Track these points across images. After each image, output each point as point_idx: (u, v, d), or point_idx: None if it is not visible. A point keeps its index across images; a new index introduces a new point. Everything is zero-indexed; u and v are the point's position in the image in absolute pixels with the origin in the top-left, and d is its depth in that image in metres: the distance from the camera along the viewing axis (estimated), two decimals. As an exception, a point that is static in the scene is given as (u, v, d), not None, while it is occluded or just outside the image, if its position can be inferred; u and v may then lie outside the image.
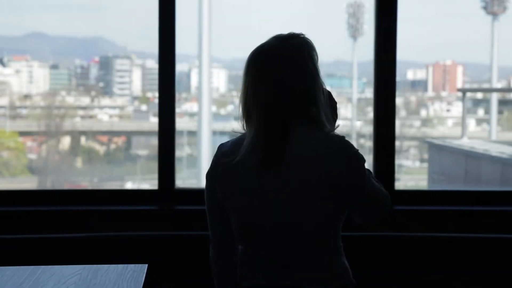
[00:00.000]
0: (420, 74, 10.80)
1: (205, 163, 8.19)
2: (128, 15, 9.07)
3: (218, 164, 2.23)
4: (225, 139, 2.28)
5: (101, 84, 9.73)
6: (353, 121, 9.15)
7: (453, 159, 8.18)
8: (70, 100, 9.68)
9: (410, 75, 10.71)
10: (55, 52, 9.87)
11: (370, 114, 3.60)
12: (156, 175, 3.50)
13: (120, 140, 9.96)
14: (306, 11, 9.09)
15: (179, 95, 9.37)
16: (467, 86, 10.52)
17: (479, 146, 8.11)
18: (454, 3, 10.60)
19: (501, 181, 7.24)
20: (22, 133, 9.45)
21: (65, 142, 9.56)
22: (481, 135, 9.93)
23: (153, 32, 3.47)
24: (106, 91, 9.71)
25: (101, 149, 9.76)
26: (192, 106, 9.62)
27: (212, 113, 8.68)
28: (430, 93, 10.74)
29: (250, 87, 2.17)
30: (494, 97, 9.40)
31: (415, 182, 10.14)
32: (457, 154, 8.05)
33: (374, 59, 3.50)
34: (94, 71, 9.66)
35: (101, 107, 9.62)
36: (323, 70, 2.22)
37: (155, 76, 3.49)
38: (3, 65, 9.40)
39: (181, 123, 9.07)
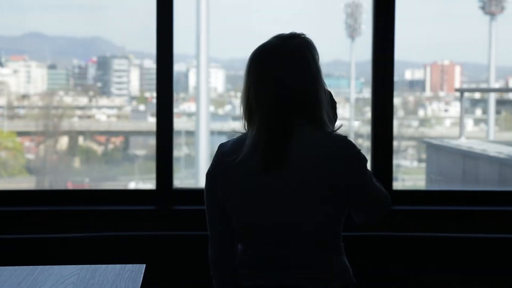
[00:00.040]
0: (418, 74, 10.81)
1: (203, 163, 8.19)
2: (126, 15, 9.06)
3: (218, 164, 2.23)
4: (223, 139, 2.29)
5: (99, 84, 9.73)
6: (351, 121, 9.15)
7: (451, 159, 8.19)
8: (68, 100, 9.67)
9: (408, 75, 10.71)
10: (53, 52, 9.86)
11: (368, 114, 3.61)
12: (154, 175, 3.50)
13: (118, 140, 9.95)
14: (304, 11, 9.09)
15: (177, 95, 9.36)
16: (465, 86, 10.52)
17: (477, 146, 8.12)
18: (452, 3, 10.60)
19: (499, 181, 7.24)
20: (20, 133, 9.44)
21: (63, 142, 9.55)
22: (479, 135, 9.94)
23: (151, 32, 3.47)
24: (104, 91, 9.71)
25: (99, 149, 9.75)
26: (190, 106, 9.62)
27: (210, 113, 8.68)
28: (428, 93, 10.74)
29: (252, 87, 2.17)
30: (492, 97, 9.41)
31: (413, 182, 10.15)
32: (455, 154, 8.06)
33: (372, 59, 3.50)
34: (92, 71, 9.65)
35: (99, 107, 9.62)
36: (320, 70, 2.21)
37: (153, 76, 3.49)
38: (1, 65, 9.39)
39: (179, 123, 9.06)
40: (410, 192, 3.61)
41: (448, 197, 3.55)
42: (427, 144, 9.15)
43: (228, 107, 9.99)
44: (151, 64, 9.27)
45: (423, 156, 9.82)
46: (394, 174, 3.47)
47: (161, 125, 3.47)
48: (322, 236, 2.17)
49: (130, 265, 2.34)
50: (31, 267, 2.33)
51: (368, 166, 2.20)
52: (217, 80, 9.78)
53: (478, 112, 10.52)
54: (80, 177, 9.39)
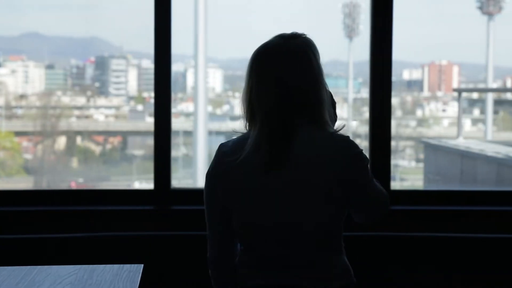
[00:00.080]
0: (415, 74, 10.82)
1: (201, 163, 8.19)
2: (124, 15, 9.07)
3: (219, 164, 2.22)
4: (221, 139, 2.28)
5: (97, 84, 9.73)
6: (349, 121, 9.16)
7: (448, 159, 8.20)
8: (66, 100, 9.67)
9: (406, 75, 10.73)
10: (51, 52, 9.86)
11: (366, 114, 3.60)
12: (152, 175, 3.49)
13: (116, 140, 9.96)
14: (302, 11, 9.10)
15: (175, 95, 9.37)
16: (463, 86, 10.53)
17: (475, 146, 8.13)
18: (450, 3, 10.62)
19: (497, 181, 7.25)
20: (18, 133, 9.45)
21: (61, 142, 9.55)
22: (477, 135, 9.95)
23: (149, 32, 3.47)
24: (102, 91, 9.71)
25: (97, 149, 9.76)
26: (188, 106, 9.63)
27: (208, 113, 8.68)
28: (425, 93, 10.76)
29: (253, 87, 2.16)
30: (490, 97, 9.42)
31: (411, 182, 10.16)
32: (453, 154, 8.07)
33: (370, 59, 3.50)
34: (90, 71, 9.66)
35: (97, 107, 9.62)
36: (319, 70, 2.21)
37: (151, 76, 3.49)
38: (-1, 65, 9.40)
39: (177, 123, 9.07)
40: (408, 192, 3.60)
41: (446, 197, 3.55)
42: (425, 144, 9.16)
43: (226, 107, 10.00)
44: (149, 64, 9.28)
45: (421, 156, 9.84)
46: (393, 174, 3.47)
47: (159, 125, 3.46)
48: (323, 236, 2.17)
49: (128, 265, 2.33)
50: (29, 267, 2.33)
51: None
52: (215, 80, 9.79)
53: (476, 112, 10.54)
54: (78, 177, 9.39)
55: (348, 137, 2.17)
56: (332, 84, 2.19)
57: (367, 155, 2.29)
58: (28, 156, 9.55)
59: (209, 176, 2.24)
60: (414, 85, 10.78)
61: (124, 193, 3.52)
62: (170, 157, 3.47)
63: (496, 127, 9.98)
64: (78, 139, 9.68)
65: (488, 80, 9.57)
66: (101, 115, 9.64)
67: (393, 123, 3.53)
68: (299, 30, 2.23)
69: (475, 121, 10.53)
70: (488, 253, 3.21)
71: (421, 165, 9.80)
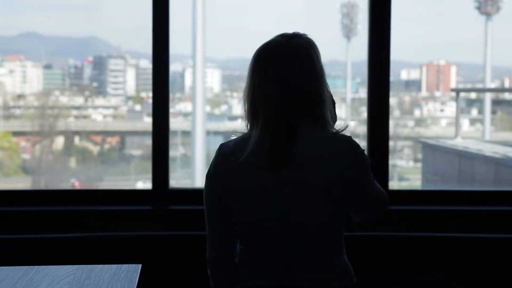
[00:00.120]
0: (414, 74, 10.83)
1: (199, 163, 8.19)
2: (122, 15, 9.06)
3: (219, 165, 2.21)
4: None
5: (95, 84, 9.73)
6: (347, 121, 9.16)
7: (446, 159, 8.20)
8: (64, 100, 9.67)
9: (404, 75, 10.73)
10: (49, 52, 9.85)
11: (364, 114, 3.60)
12: (150, 175, 3.49)
13: (114, 140, 9.95)
14: (300, 11, 9.10)
15: (173, 95, 9.37)
16: (461, 86, 10.55)
17: (473, 146, 8.13)
18: (448, 3, 10.62)
19: (495, 181, 7.25)
20: (16, 133, 9.44)
21: (59, 142, 9.54)
22: (475, 135, 9.96)
23: (147, 32, 3.47)
24: (100, 91, 9.71)
25: (95, 149, 9.75)
26: (186, 106, 9.62)
27: (206, 113, 8.68)
28: (424, 93, 10.76)
29: (256, 86, 2.15)
30: (488, 97, 9.42)
31: (409, 182, 10.16)
32: (451, 154, 8.06)
33: (368, 59, 3.50)
34: (88, 71, 9.65)
35: (95, 107, 9.62)
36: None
37: (149, 76, 3.48)
38: (-3, 65, 9.39)
39: (175, 123, 9.06)
40: (406, 192, 3.61)
41: (444, 197, 3.55)
42: (423, 144, 9.15)
43: (224, 107, 10.00)
44: (147, 64, 9.28)
45: (419, 156, 9.84)
46: (391, 174, 3.47)
47: (157, 125, 3.46)
48: (323, 236, 2.17)
49: (126, 265, 2.33)
50: (26, 267, 2.33)
51: (365, 166, 2.20)
52: (213, 80, 9.79)
53: (474, 112, 10.54)
54: (76, 178, 9.38)
55: (350, 137, 2.17)
56: (330, 84, 2.18)
57: (366, 155, 2.29)
58: (26, 156, 9.54)
59: (210, 176, 2.23)
60: (412, 85, 10.78)
61: (122, 193, 3.52)
62: (168, 157, 3.47)
63: (494, 127, 9.99)
64: (76, 139, 9.67)
65: (486, 80, 9.58)
66: (99, 115, 9.63)
67: (391, 123, 3.53)
68: (297, 30, 2.23)
69: (473, 121, 10.54)
70: (486, 253, 3.21)
71: (419, 165, 9.80)
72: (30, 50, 9.68)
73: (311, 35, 2.23)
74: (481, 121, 9.77)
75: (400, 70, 10.47)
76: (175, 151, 9.13)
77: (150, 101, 3.49)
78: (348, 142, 2.15)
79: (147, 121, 9.02)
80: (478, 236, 3.25)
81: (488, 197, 3.56)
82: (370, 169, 2.20)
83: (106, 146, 9.89)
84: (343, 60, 9.84)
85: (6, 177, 9.34)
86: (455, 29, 10.39)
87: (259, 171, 2.13)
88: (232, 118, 9.40)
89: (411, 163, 10.42)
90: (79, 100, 9.56)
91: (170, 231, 3.29)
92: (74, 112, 9.60)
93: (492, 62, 9.46)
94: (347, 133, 2.20)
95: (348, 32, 9.81)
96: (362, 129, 3.52)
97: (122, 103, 9.78)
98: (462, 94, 9.41)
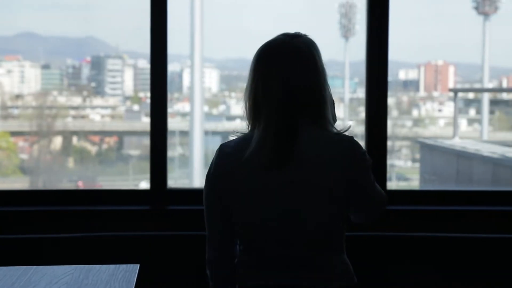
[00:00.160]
0: (412, 74, 10.83)
1: (197, 163, 8.19)
2: (120, 15, 9.07)
3: (220, 165, 2.20)
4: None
5: (93, 84, 9.73)
6: (345, 121, 9.17)
7: (444, 159, 8.21)
8: (62, 100, 9.67)
9: (402, 75, 10.74)
10: (47, 52, 9.85)
11: (362, 114, 3.60)
12: (148, 175, 3.49)
13: (112, 140, 9.95)
14: (298, 11, 9.10)
15: (171, 95, 9.36)
16: (459, 86, 10.55)
17: (471, 146, 8.14)
18: (446, 3, 10.63)
19: (493, 181, 7.26)
20: (14, 133, 9.44)
21: (57, 142, 9.54)
22: (473, 135, 9.96)
23: (145, 32, 3.47)
24: (98, 91, 9.71)
25: (93, 149, 9.75)
26: (184, 106, 9.62)
27: (204, 113, 8.68)
28: (421, 93, 10.76)
29: (259, 84, 2.15)
30: (486, 97, 9.44)
31: (407, 182, 10.17)
32: (449, 154, 8.07)
33: (366, 59, 3.50)
34: (85, 71, 9.65)
35: (93, 107, 9.62)
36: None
37: (147, 76, 3.48)
38: (-5, 65, 9.39)
39: (173, 123, 9.07)
40: (404, 192, 3.61)
41: (442, 197, 3.55)
42: (421, 144, 9.17)
43: (222, 107, 9.99)
44: (145, 64, 9.27)
45: (417, 156, 9.85)
46: (390, 174, 3.47)
47: (155, 125, 3.46)
48: (324, 236, 2.17)
49: (124, 265, 2.33)
50: (25, 267, 2.33)
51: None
52: (211, 80, 9.78)
53: (472, 112, 10.55)
54: (74, 177, 9.38)
55: (352, 137, 2.17)
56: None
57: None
58: (24, 156, 9.54)
59: (210, 176, 2.22)
60: (410, 85, 10.79)
61: (120, 193, 3.52)
62: (166, 157, 3.47)
63: (492, 127, 10.00)
64: (74, 139, 9.67)
65: (484, 80, 9.59)
66: (97, 115, 9.63)
67: (389, 123, 3.53)
68: (296, 30, 2.23)
69: (471, 121, 10.55)
70: (484, 253, 3.22)
71: (417, 165, 9.82)
72: (28, 50, 9.68)
73: (310, 35, 2.23)
74: (479, 121, 9.78)
75: (398, 70, 10.47)
76: (173, 151, 9.13)
77: (148, 101, 3.49)
78: (350, 142, 2.15)
79: (145, 121, 9.02)
80: (476, 236, 3.25)
81: (486, 197, 3.56)
82: (371, 169, 2.20)
83: (104, 146, 9.89)
84: (341, 60, 9.84)
85: (4, 177, 9.34)
86: (453, 29, 10.40)
87: (260, 171, 2.13)
88: (230, 118, 9.40)
89: (409, 163, 10.43)
90: (77, 100, 9.56)
91: (168, 231, 3.29)
92: (72, 112, 9.60)
93: (490, 62, 9.47)
94: (347, 133, 2.20)
95: (346, 32, 9.82)
96: (360, 129, 3.52)
97: (120, 103, 9.78)
98: (460, 94, 9.42)
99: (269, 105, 2.13)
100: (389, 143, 3.56)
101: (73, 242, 3.16)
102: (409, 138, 10.57)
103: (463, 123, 10.16)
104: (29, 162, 9.48)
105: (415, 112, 10.78)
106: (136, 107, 9.83)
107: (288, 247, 2.15)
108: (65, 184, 9.05)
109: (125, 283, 2.17)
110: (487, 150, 7.88)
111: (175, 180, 8.54)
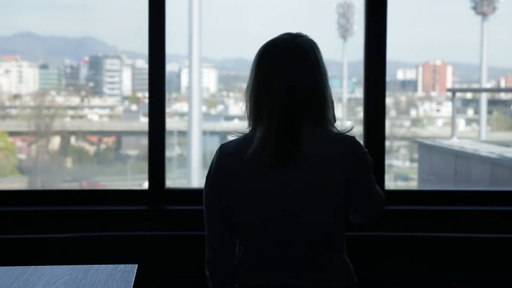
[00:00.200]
0: (410, 74, 10.84)
1: (195, 163, 8.19)
2: (118, 15, 9.07)
3: (221, 165, 2.19)
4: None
5: (91, 84, 9.73)
6: (343, 121, 9.18)
7: (443, 159, 8.21)
8: (60, 100, 9.66)
9: (400, 75, 10.74)
10: (45, 52, 9.85)
11: (360, 114, 3.60)
12: (146, 175, 3.49)
13: (110, 140, 9.95)
14: (296, 11, 9.10)
15: (169, 95, 9.37)
16: (457, 86, 10.56)
17: (469, 146, 8.14)
18: (444, 3, 10.64)
19: (491, 181, 7.27)
20: (12, 133, 9.44)
21: (55, 142, 9.54)
22: (471, 135, 9.97)
23: (143, 32, 3.47)
24: (96, 91, 9.71)
25: (91, 149, 9.75)
26: (182, 106, 9.62)
27: (202, 113, 8.68)
28: (420, 93, 10.77)
29: (261, 83, 2.15)
30: (484, 97, 9.44)
31: (406, 182, 10.17)
32: (447, 154, 8.08)
33: (364, 59, 3.50)
34: (84, 71, 9.65)
35: (91, 107, 9.62)
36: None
37: (145, 76, 3.48)
38: (-7, 65, 9.39)
39: (171, 123, 9.06)
40: (402, 192, 3.61)
41: (440, 197, 3.55)
42: (419, 144, 9.18)
43: (220, 107, 9.99)
44: (143, 64, 9.27)
45: (415, 156, 9.85)
46: (390, 174, 3.48)
47: (153, 125, 3.46)
48: (324, 236, 2.17)
49: (122, 265, 2.33)
50: (23, 267, 2.33)
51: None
52: (209, 80, 9.78)
53: (470, 112, 10.56)
54: (73, 177, 9.38)
55: (354, 137, 2.17)
56: (326, 84, 2.20)
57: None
58: (22, 156, 9.54)
59: (211, 177, 2.22)
60: (408, 85, 10.79)
61: (118, 193, 3.52)
62: (164, 157, 3.47)
63: (490, 127, 10.01)
64: (72, 139, 9.67)
65: (482, 80, 9.59)
66: (95, 115, 9.63)
67: (387, 123, 3.53)
68: (294, 30, 2.23)
69: (469, 121, 10.55)
70: (483, 253, 3.22)
71: (415, 165, 9.82)
72: (26, 50, 9.68)
73: (308, 35, 2.23)
74: (477, 121, 9.78)
75: (396, 70, 10.48)
76: (171, 151, 9.13)
77: (146, 101, 3.49)
78: (352, 142, 2.15)
79: (143, 121, 9.02)
80: (474, 236, 3.25)
81: (484, 197, 3.56)
82: (372, 170, 2.20)
83: (102, 146, 9.89)
84: (339, 60, 9.85)
85: (2, 177, 9.34)
86: (451, 29, 10.41)
87: (262, 171, 2.13)
88: (228, 118, 9.40)
89: (407, 163, 10.44)
90: (75, 100, 9.56)
91: (166, 231, 3.29)
92: (70, 112, 9.60)
93: (488, 62, 9.48)
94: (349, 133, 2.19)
95: (344, 32, 9.82)
96: (358, 129, 3.52)
97: (118, 103, 9.78)
98: (458, 94, 9.43)
99: (271, 104, 2.13)
100: (387, 143, 3.56)
101: (71, 242, 3.16)
102: (407, 138, 10.58)
103: (461, 123, 10.17)
104: (27, 162, 9.48)
105: (413, 112, 10.79)
106: (134, 107, 9.83)
107: (288, 247, 2.15)
108: (63, 184, 9.04)
109: (123, 283, 2.17)
110: (485, 150, 7.88)
111: (173, 180, 8.53)
